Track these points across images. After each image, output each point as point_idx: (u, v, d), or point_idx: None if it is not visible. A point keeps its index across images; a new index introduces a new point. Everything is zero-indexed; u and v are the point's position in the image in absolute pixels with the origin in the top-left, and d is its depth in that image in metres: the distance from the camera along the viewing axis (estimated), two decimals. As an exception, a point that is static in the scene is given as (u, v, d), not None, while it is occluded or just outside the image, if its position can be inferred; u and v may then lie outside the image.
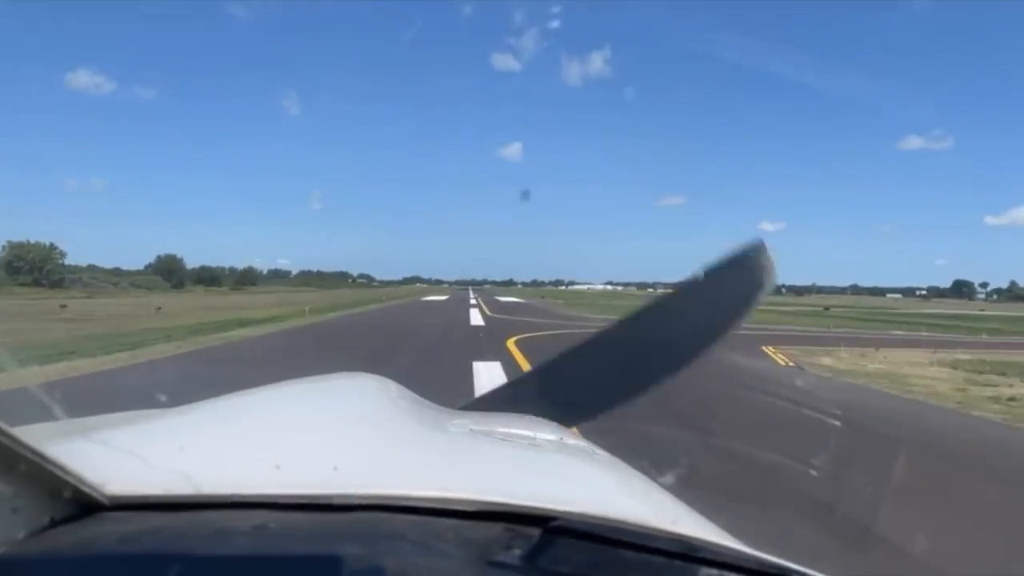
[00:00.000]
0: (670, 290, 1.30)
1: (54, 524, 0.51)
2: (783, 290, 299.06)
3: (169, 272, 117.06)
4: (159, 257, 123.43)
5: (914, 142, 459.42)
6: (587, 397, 1.29)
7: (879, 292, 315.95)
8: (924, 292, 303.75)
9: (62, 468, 0.49)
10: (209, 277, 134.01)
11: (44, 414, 0.95)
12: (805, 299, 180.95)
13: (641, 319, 1.30)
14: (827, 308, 72.97)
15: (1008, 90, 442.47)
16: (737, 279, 1.24)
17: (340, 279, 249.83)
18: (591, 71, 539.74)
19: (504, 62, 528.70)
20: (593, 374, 1.31)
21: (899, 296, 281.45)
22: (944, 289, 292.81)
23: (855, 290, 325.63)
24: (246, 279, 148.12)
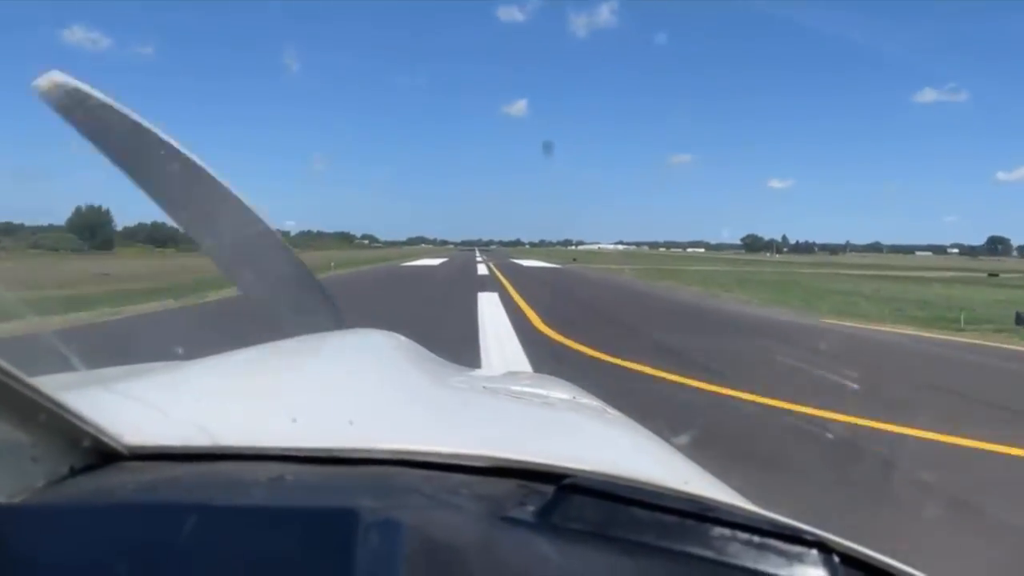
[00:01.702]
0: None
1: (74, 473, 0.51)
2: (815, 248, 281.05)
3: (91, 229, 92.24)
4: (78, 210, 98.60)
5: (928, 95, 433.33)
6: None
7: (907, 250, 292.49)
8: (956, 250, 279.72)
9: (81, 418, 0.50)
10: (161, 237, 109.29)
11: (63, 364, 0.93)
12: (852, 259, 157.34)
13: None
14: (993, 274, 48.70)
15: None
16: None
17: (342, 239, 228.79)
18: (598, 22, 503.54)
19: (509, 14, 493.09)
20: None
21: (930, 254, 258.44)
22: (978, 247, 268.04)
23: (875, 248, 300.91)
24: (166, 237, 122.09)
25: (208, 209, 1.26)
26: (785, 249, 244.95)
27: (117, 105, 1.10)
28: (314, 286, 1.41)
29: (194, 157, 1.17)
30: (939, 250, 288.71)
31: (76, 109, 1.10)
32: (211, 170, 1.19)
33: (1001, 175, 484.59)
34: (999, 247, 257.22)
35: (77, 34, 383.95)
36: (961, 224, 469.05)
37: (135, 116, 1.12)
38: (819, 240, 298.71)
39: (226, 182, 1.20)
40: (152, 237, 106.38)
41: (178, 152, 1.15)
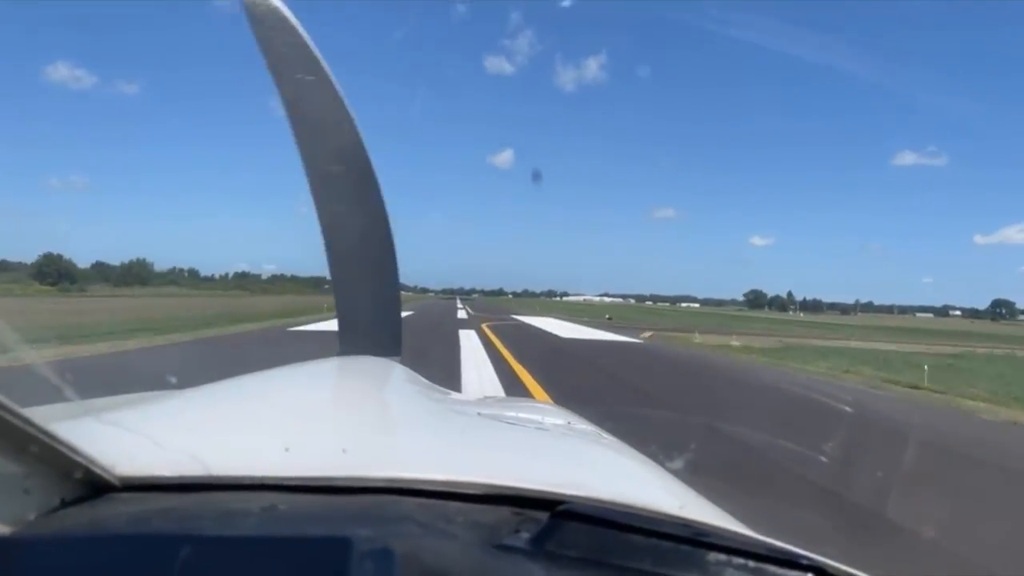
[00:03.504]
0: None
1: (65, 505, 0.50)
2: (824, 307, 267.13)
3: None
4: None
5: (908, 158, 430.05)
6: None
7: (907, 311, 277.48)
8: (958, 312, 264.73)
9: (73, 449, 0.48)
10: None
11: (54, 395, 0.92)
12: (876, 320, 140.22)
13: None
14: None
15: (1005, 107, 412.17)
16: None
17: (314, 284, 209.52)
18: (586, 76, 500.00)
19: (497, 65, 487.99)
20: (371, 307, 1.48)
21: (931, 316, 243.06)
22: (981, 310, 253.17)
23: (869, 308, 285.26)
24: (132, 277, 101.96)
25: (355, 199, 1.25)
26: (792, 307, 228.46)
27: (317, 54, 1.09)
28: (397, 314, 1.42)
29: (365, 143, 1.16)
30: (941, 312, 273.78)
31: (275, 34, 1.10)
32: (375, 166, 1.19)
33: (979, 238, 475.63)
34: (1003, 311, 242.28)
35: (61, 71, 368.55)
36: (937, 286, 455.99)
37: (328, 72, 1.10)
38: (825, 298, 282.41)
39: (381, 185, 1.19)
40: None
41: (353, 124, 1.15)
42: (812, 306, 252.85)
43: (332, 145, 1.23)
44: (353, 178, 1.24)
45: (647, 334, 28.36)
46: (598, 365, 14.92)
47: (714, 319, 71.36)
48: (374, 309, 1.43)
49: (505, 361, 14.00)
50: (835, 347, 26.54)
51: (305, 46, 1.18)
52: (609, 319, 46.46)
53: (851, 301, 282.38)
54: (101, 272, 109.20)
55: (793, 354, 20.73)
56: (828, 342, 30.55)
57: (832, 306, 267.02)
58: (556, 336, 23.83)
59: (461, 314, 40.79)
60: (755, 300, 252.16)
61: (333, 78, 1.20)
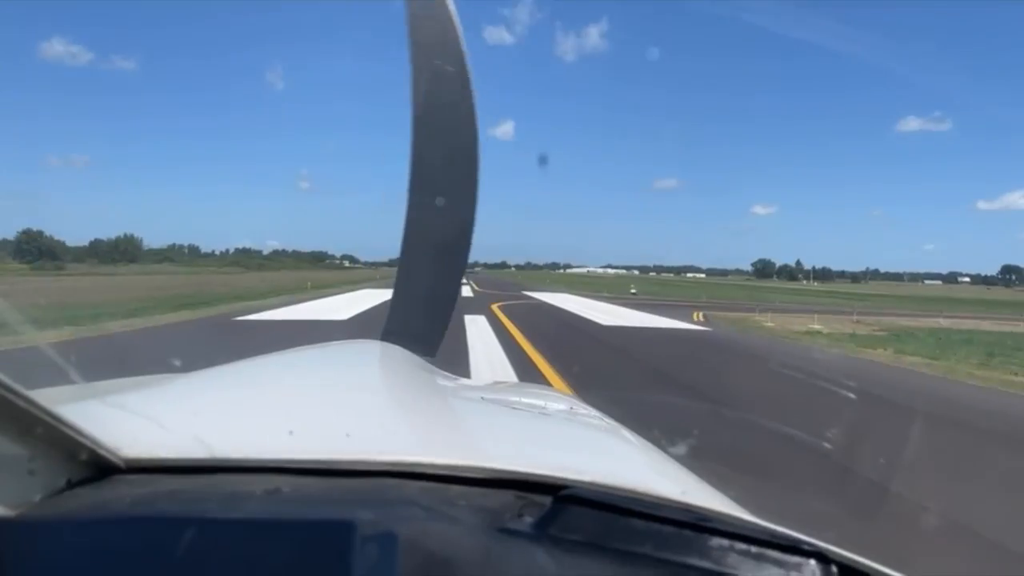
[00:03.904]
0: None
1: (71, 486, 0.50)
2: (827, 276, 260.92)
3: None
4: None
5: (912, 124, 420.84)
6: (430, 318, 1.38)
7: (915, 278, 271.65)
8: (967, 279, 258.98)
9: (78, 431, 0.49)
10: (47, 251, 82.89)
11: (60, 377, 0.93)
12: (893, 288, 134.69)
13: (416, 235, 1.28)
14: None
15: (1012, 72, 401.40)
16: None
17: (314, 260, 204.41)
18: (587, 45, 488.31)
19: (497, 36, 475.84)
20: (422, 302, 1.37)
21: (939, 283, 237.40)
22: (991, 277, 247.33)
23: (874, 275, 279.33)
24: (120, 254, 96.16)
25: (452, 196, 1.24)
26: (800, 276, 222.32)
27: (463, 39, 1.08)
28: (447, 316, 1.39)
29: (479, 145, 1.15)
30: (949, 279, 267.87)
31: (429, 22, 1.11)
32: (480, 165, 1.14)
33: (982, 204, 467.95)
34: (1012, 276, 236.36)
35: (56, 47, 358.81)
36: (939, 253, 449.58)
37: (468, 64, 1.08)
38: (831, 266, 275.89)
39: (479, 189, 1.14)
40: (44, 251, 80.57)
41: (474, 122, 1.14)
42: (822, 275, 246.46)
43: (449, 139, 1.24)
44: (458, 175, 1.24)
45: (699, 315, 22.69)
46: (691, 382, 9.22)
47: (737, 291, 65.81)
48: (427, 306, 1.41)
49: (544, 378, 8.30)
50: (941, 328, 20.85)
51: (456, 39, 1.19)
52: (635, 294, 40.70)
53: (856, 269, 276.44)
54: (94, 250, 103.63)
55: (921, 344, 14.98)
56: (916, 321, 24.82)
57: (841, 275, 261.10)
58: (592, 322, 18.08)
59: (465, 291, 35.25)
60: (763, 270, 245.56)
61: (471, 74, 1.19)
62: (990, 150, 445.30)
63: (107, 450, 0.52)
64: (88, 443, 0.50)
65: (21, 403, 0.42)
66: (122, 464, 0.53)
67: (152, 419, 0.61)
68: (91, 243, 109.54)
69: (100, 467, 0.52)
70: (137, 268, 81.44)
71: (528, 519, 0.48)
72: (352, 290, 34.29)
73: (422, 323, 1.39)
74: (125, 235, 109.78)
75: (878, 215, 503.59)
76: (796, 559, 0.45)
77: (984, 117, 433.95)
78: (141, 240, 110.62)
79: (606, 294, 40.66)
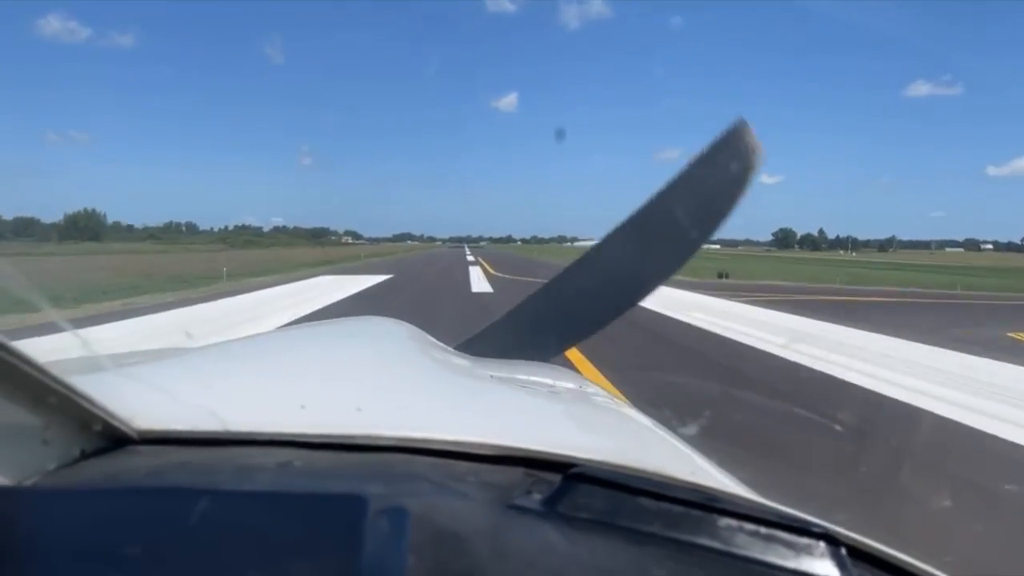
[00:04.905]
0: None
1: (84, 456, 0.50)
2: (857, 244, 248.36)
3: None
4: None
5: (922, 88, 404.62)
6: (572, 321, 1.27)
7: (922, 245, 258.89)
8: (990, 246, 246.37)
9: (92, 402, 0.49)
10: None
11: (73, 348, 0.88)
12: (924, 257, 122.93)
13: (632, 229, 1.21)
14: None
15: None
16: (726, 164, 1.17)
17: (314, 236, 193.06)
18: (589, 12, 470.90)
19: (498, 5, 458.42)
20: (577, 300, 1.26)
21: (961, 251, 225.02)
22: (1016, 243, 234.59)
23: (889, 244, 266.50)
24: (77, 231, 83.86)
25: (685, 224, 1.19)
26: (824, 246, 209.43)
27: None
28: (583, 335, 1.30)
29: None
30: (972, 245, 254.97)
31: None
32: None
33: (991, 169, 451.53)
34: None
35: (53, 24, 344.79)
36: (948, 220, 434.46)
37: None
38: (844, 234, 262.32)
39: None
40: None
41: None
42: (846, 244, 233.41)
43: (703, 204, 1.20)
44: (693, 230, 1.19)
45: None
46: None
47: (794, 266, 53.51)
48: (568, 317, 1.29)
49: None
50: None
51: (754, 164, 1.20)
52: (723, 277, 28.31)
53: (879, 237, 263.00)
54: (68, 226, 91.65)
55: None
56: None
57: (867, 244, 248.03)
58: (861, 387, 6.28)
59: (475, 277, 23.67)
60: (784, 239, 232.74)
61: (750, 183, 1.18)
62: (1000, 115, 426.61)
63: (120, 421, 0.52)
64: (101, 414, 0.50)
65: (35, 373, 0.43)
66: (135, 435, 0.53)
67: (165, 391, 0.61)
68: (67, 217, 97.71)
69: (113, 438, 0.52)
70: (91, 247, 69.64)
71: (537, 496, 0.48)
72: (304, 278, 22.11)
73: (543, 336, 1.28)
74: (84, 210, 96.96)
75: (887, 182, 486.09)
76: (805, 540, 0.46)
77: (994, 83, 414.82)
78: (104, 215, 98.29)
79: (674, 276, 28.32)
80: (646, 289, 1.21)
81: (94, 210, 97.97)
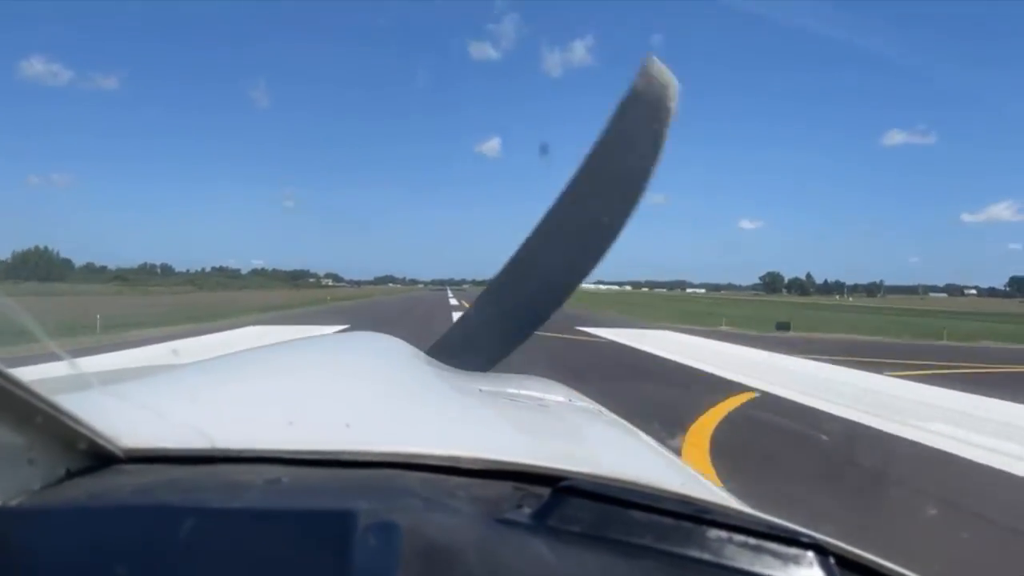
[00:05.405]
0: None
1: (70, 475, 0.49)
2: (844, 290, 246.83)
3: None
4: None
5: (897, 137, 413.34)
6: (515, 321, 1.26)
7: (908, 290, 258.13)
8: (974, 291, 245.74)
9: (77, 421, 0.48)
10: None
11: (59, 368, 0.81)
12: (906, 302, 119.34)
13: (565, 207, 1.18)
14: None
15: (996, 84, 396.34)
16: (639, 118, 1.15)
17: (292, 279, 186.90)
18: (572, 60, 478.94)
19: (482, 51, 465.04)
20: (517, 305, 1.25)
21: (945, 295, 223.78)
22: (999, 289, 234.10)
23: (877, 288, 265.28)
24: (26, 270, 77.34)
25: (597, 214, 1.19)
26: (812, 290, 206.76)
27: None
28: (526, 334, 1.32)
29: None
30: (955, 290, 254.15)
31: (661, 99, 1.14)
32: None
33: (966, 216, 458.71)
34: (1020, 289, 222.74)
35: (36, 67, 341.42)
36: (924, 265, 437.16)
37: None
38: (839, 279, 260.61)
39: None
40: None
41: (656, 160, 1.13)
42: (834, 288, 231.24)
43: (626, 166, 1.19)
44: (616, 204, 1.18)
45: None
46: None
47: (783, 309, 48.33)
48: (504, 323, 1.28)
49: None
50: None
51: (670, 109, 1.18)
52: (783, 328, 22.60)
53: (861, 282, 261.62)
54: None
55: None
56: None
57: (854, 288, 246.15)
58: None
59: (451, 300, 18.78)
60: (771, 283, 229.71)
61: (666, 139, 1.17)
62: (973, 163, 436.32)
63: (106, 440, 0.51)
64: (87, 432, 0.49)
65: (20, 392, 0.42)
66: (121, 454, 0.52)
67: (151, 409, 0.60)
68: (13, 255, 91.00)
69: (99, 457, 0.51)
70: (34, 287, 63.04)
71: (527, 510, 0.48)
72: (227, 328, 16.30)
73: (489, 338, 1.29)
74: (36, 247, 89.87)
75: (866, 229, 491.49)
76: (794, 551, 0.45)
77: (969, 129, 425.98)
78: (58, 252, 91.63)
79: (698, 327, 22.90)
80: (572, 284, 1.21)
81: (46, 248, 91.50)
